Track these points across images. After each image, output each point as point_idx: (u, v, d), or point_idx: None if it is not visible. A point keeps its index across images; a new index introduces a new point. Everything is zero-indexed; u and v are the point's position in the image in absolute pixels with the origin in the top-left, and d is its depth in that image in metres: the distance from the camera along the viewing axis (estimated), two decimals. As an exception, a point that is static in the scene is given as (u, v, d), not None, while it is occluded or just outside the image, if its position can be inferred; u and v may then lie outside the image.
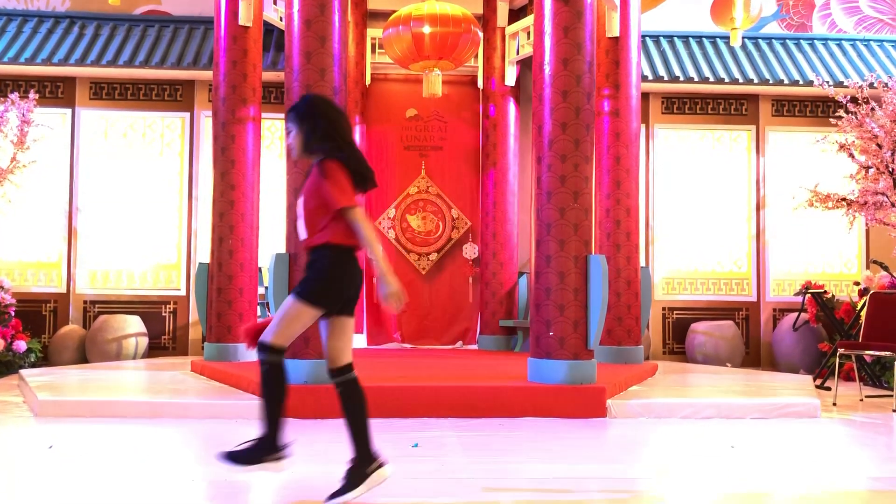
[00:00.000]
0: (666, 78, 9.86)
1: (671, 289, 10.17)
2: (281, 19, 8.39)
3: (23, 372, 7.45)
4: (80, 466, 4.08)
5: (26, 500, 3.45)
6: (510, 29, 9.59)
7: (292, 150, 3.44)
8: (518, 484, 3.82)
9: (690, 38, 10.50)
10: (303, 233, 3.42)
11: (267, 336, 3.33)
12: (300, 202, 3.40)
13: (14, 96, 8.64)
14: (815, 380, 7.85)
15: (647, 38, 10.26)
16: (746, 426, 5.53)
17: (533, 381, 5.87)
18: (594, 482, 3.89)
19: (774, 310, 10.14)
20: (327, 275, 3.30)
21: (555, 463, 4.29)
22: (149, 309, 9.67)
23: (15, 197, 9.07)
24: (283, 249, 6.00)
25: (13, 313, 8.54)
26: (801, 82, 9.87)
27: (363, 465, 3.38)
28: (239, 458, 3.34)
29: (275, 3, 8.36)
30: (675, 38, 10.48)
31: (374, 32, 9.86)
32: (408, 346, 9.97)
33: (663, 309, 10.11)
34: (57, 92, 9.81)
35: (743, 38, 9.53)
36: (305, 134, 3.37)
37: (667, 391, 6.54)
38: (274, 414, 3.38)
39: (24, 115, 8.63)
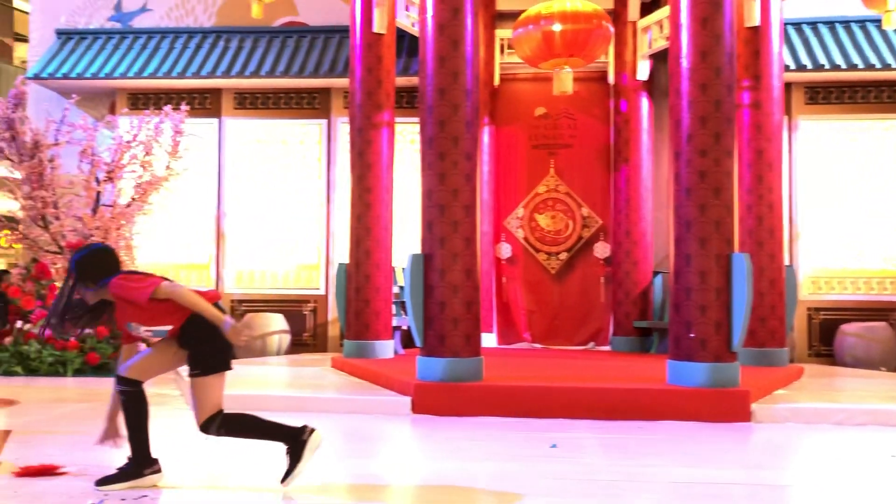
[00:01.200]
0: (809, 67, 9.37)
1: (817, 288, 9.65)
2: (413, 25, 8.57)
3: (178, 368, 7.96)
4: (234, 456, 4.32)
5: (185, 486, 3.69)
6: (642, 23, 9.38)
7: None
8: (659, 487, 3.74)
9: (836, 24, 9.92)
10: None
11: (200, 419, 3.52)
12: (126, 325, 3.57)
13: (168, 109, 9.25)
14: (983, 387, 7.25)
15: (789, 26, 9.77)
16: (907, 435, 5.18)
17: (672, 383, 5.73)
18: (740, 488, 3.75)
19: (935, 311, 9.44)
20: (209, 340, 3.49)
21: (698, 467, 4.18)
22: (291, 307, 10.10)
23: (169, 203, 9.71)
24: (418, 250, 6.13)
25: (169, 312, 9.14)
26: (964, 65, 9.13)
27: (139, 466, 3.55)
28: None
29: (407, 9, 8.54)
30: (819, 25, 9.93)
31: (502, 33, 9.90)
32: (538, 346, 9.94)
33: (809, 309, 9.61)
34: (205, 103, 10.42)
35: (897, 20, 8.92)
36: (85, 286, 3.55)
37: (815, 395, 6.22)
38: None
39: (176, 126, 9.22)
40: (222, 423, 3.52)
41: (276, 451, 3.56)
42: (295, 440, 3.50)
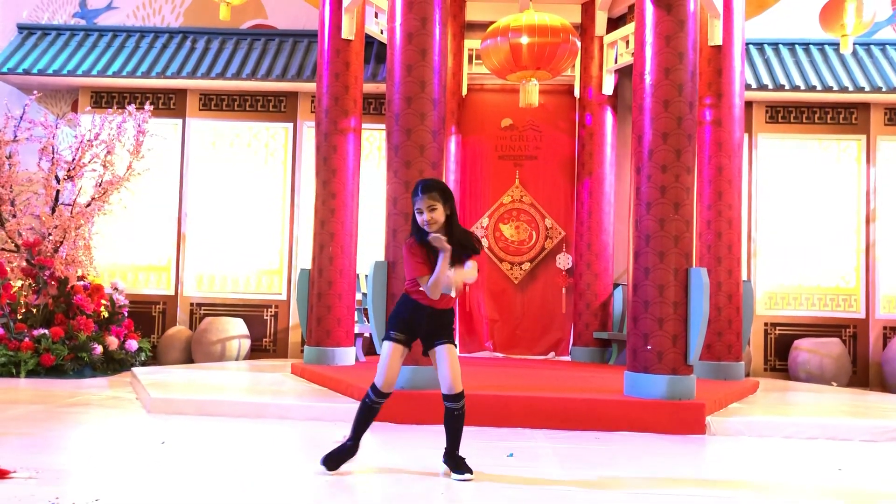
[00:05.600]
0: (770, 86, 9.58)
1: (774, 304, 9.84)
2: (382, 32, 8.59)
3: (135, 370, 7.86)
4: (191, 461, 4.28)
5: (142, 490, 3.64)
6: (608, 38, 9.51)
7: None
8: (613, 497, 3.78)
9: (797, 45, 10.16)
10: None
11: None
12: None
13: (131, 108, 9.15)
14: (930, 403, 7.45)
15: (751, 46, 10.00)
16: (854, 448, 5.31)
17: (629, 394, 5.80)
18: (693, 499, 3.81)
19: (885, 327, 9.68)
20: None
21: (652, 478, 4.24)
22: (251, 312, 10.03)
23: (129, 203, 9.59)
24: (381, 257, 6.13)
25: (126, 314, 9.02)
26: (917, 90, 9.41)
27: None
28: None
29: (376, 16, 8.56)
30: (781, 46, 10.16)
31: (471, 43, 9.96)
32: (500, 355, 9.99)
33: (765, 324, 9.79)
34: (170, 103, 10.32)
35: (854, 44, 9.17)
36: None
37: (769, 409, 6.34)
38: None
39: (139, 125, 9.12)
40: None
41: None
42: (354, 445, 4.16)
